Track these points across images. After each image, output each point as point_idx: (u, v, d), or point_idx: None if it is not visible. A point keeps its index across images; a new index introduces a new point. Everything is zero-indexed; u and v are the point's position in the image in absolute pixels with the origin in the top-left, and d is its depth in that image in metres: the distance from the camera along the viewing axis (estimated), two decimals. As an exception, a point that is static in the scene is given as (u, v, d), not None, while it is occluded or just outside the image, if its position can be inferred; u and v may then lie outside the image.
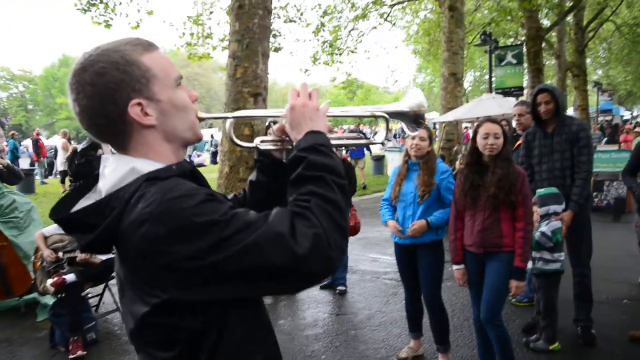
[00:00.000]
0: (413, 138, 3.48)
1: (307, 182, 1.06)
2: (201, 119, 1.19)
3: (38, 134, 20.04)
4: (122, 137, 1.06)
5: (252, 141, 1.37)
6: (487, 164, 3.21)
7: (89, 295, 5.15)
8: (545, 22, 20.39)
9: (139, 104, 1.03)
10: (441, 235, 3.58)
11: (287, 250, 0.92)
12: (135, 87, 1.03)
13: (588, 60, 31.45)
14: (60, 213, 1.04)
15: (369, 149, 15.41)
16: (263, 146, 1.37)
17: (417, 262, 3.61)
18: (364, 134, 1.47)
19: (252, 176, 1.42)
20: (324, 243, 0.95)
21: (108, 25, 11.24)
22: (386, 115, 1.39)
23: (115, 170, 1.05)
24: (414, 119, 1.41)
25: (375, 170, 17.57)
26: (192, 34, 13.44)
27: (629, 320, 4.37)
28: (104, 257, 4.48)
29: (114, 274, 5.07)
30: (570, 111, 26.15)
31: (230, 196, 1.43)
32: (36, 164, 18.54)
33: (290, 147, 1.32)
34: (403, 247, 3.66)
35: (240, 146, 1.42)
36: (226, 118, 1.37)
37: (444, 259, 3.63)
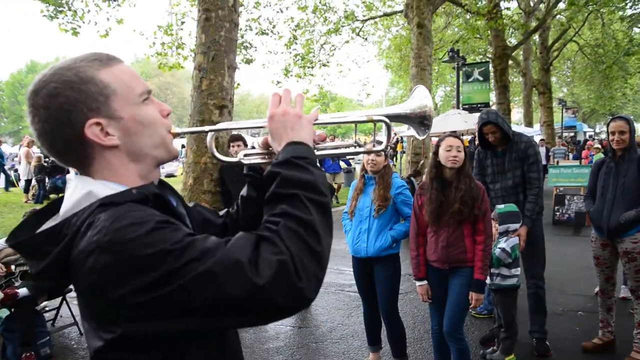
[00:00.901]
0: (369, 153, 3.54)
1: (280, 200, 0.95)
2: (175, 135, 1.09)
3: (-1, 142, 19.46)
4: (84, 160, 0.99)
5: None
6: (450, 180, 3.27)
7: (46, 309, 5.02)
8: (512, 41, 21.05)
9: (98, 123, 0.96)
10: (396, 249, 3.62)
11: (245, 280, 0.82)
12: (91, 106, 0.96)
13: (553, 79, 32.55)
14: (18, 237, 0.96)
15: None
16: (247, 160, 1.27)
17: (374, 275, 3.64)
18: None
19: (244, 191, 1.34)
20: (290, 271, 0.85)
21: (75, 33, 11.08)
22: (386, 120, 1.24)
23: (72, 194, 0.97)
24: (420, 121, 1.28)
25: (347, 183, 17.66)
26: (162, 44, 13.36)
27: (583, 331, 4.48)
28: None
29: (71, 286, 4.96)
30: (536, 127, 26.91)
31: (222, 212, 1.36)
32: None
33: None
34: (360, 261, 3.69)
35: (223, 161, 1.32)
36: (203, 132, 1.25)
37: (400, 272, 3.67)
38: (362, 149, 1.33)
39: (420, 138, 1.35)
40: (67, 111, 0.94)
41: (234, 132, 5.22)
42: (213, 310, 0.84)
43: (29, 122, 0.98)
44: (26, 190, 15.02)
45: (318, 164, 1.06)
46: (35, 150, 15.65)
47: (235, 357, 1.12)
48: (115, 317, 0.86)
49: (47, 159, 14.42)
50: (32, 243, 0.94)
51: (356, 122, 1.27)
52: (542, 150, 16.31)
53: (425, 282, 3.40)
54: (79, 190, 0.97)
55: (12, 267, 4.44)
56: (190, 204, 1.27)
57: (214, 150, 1.28)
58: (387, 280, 3.59)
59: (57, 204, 1.02)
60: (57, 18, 10.92)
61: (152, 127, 1.03)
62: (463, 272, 3.22)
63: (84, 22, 11.32)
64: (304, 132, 1.08)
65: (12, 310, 4.26)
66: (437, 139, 3.47)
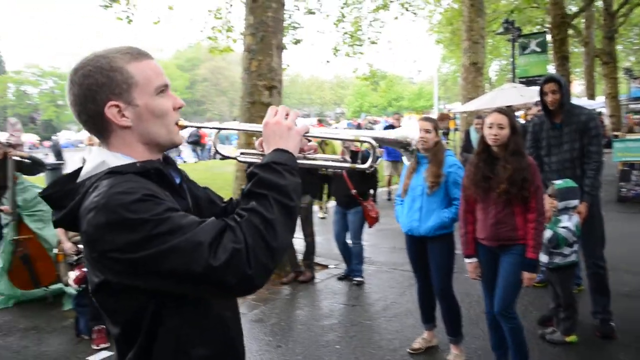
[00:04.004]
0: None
1: (252, 197, 1.09)
2: (182, 127, 1.26)
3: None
4: (103, 132, 1.19)
5: None
6: (497, 156, 3.17)
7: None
8: (572, 9, 19.87)
9: (117, 106, 1.14)
10: (451, 228, 3.56)
11: (203, 259, 0.97)
12: (115, 90, 1.14)
13: (619, 47, 30.48)
14: (47, 191, 1.18)
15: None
16: (242, 158, 1.42)
17: (427, 253, 3.61)
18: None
19: (244, 186, 1.47)
20: (242, 259, 0.98)
21: (130, 21, 11.39)
22: (372, 142, 1.34)
23: (90, 161, 1.18)
24: (402, 147, 1.40)
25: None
26: (212, 28, 13.52)
27: (651, 313, 4.28)
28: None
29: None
30: (599, 99, 25.47)
31: (226, 199, 1.51)
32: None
33: None
34: (414, 239, 3.67)
35: (223, 156, 1.49)
36: (206, 128, 1.44)
37: (454, 251, 3.62)
38: (346, 165, 1.45)
39: (407, 163, 1.48)
40: (93, 91, 1.13)
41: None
42: (174, 278, 0.99)
43: (66, 92, 1.18)
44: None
45: (336, 168, 1.20)
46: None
47: (219, 324, 1.23)
48: (100, 266, 1.05)
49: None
50: (56, 196, 1.16)
51: (344, 140, 1.46)
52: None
53: (474, 259, 3.35)
54: (95, 159, 1.17)
55: (81, 246, 4.71)
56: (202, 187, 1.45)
57: (217, 145, 1.48)
58: (440, 258, 3.55)
59: (81, 169, 1.22)
60: (112, 7, 11.27)
61: (161, 117, 1.20)
62: (514, 250, 3.13)
63: (137, 10, 11.62)
64: (291, 142, 1.22)
65: (83, 286, 4.53)
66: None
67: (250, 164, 1.39)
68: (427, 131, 3.48)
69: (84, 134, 22.43)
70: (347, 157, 1.50)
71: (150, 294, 1.08)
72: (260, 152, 1.36)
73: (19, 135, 5.48)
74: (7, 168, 5.21)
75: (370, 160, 1.39)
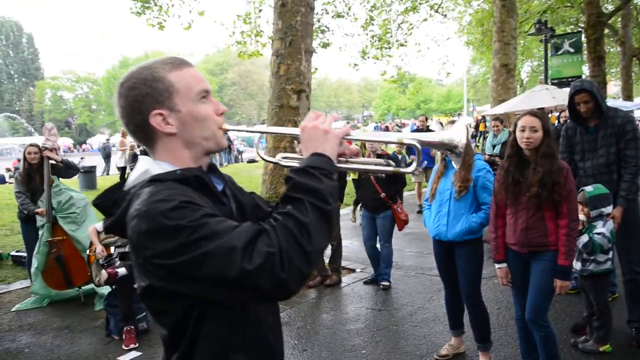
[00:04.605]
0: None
1: (288, 202, 1.10)
2: (225, 130, 1.30)
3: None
4: (149, 141, 1.24)
5: None
6: (529, 159, 3.10)
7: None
8: (609, 7, 19.31)
9: (160, 114, 1.19)
10: (478, 233, 3.50)
11: (236, 263, 0.97)
12: (158, 99, 1.19)
13: (657, 46, 29.48)
14: (99, 199, 1.24)
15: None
16: (284, 162, 1.45)
17: (455, 259, 3.56)
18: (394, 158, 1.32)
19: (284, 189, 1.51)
20: (276, 263, 0.98)
21: (162, 27, 11.64)
22: (417, 144, 1.30)
23: (136, 170, 1.23)
24: (448, 149, 1.37)
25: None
26: (241, 33, 13.68)
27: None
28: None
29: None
30: (637, 100, 24.67)
31: (273, 204, 1.51)
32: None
33: None
34: (441, 244, 3.62)
35: (265, 160, 1.53)
36: (249, 131, 1.50)
37: (482, 256, 3.56)
38: (390, 168, 1.37)
39: (456, 167, 1.40)
40: (139, 102, 1.19)
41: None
42: (210, 283, 1.01)
43: (114, 105, 1.24)
44: (121, 177, 16.21)
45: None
46: (130, 140, 16.81)
47: (257, 329, 1.24)
48: (144, 271, 1.09)
49: (140, 147, 15.41)
50: (106, 205, 1.22)
51: (387, 142, 1.43)
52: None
53: (504, 264, 3.28)
54: (140, 168, 1.22)
55: (112, 248, 4.82)
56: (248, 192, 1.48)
57: (258, 149, 1.51)
58: (468, 264, 3.49)
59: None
60: (144, 14, 11.52)
61: (204, 122, 1.23)
62: (545, 256, 3.05)
63: (168, 17, 11.86)
64: (328, 146, 1.21)
65: (113, 287, 4.64)
66: None
67: (291, 167, 1.41)
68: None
69: (117, 139, 23.01)
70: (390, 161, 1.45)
71: (194, 299, 1.10)
72: (301, 157, 1.35)
73: (55, 140, 5.66)
74: (44, 172, 5.38)
75: (414, 163, 1.35)
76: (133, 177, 1.22)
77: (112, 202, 1.20)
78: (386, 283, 5.56)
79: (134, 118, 1.20)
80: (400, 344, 4.15)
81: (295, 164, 1.41)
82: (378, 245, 5.72)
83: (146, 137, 1.23)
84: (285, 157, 1.44)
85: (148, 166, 1.21)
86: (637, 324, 3.85)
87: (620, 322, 3.97)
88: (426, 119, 9.06)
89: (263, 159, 1.48)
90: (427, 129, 8.54)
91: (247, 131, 1.47)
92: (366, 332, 4.44)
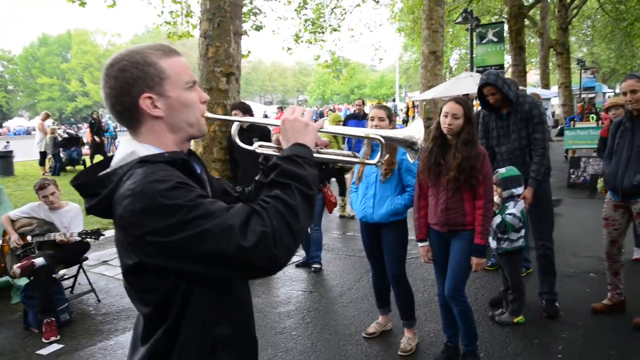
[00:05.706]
0: (372, 119, 3.51)
1: (275, 186, 1.18)
2: (207, 119, 1.37)
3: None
4: (135, 123, 1.27)
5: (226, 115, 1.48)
6: (450, 143, 3.24)
7: (65, 277, 5.17)
8: (529, 0, 20.33)
9: (150, 97, 1.24)
10: (404, 215, 3.62)
11: (234, 241, 1.04)
12: (148, 83, 1.23)
13: (572, 38, 31.47)
14: (79, 179, 1.25)
15: None
16: (260, 150, 1.55)
17: (381, 240, 3.66)
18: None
19: (258, 176, 1.58)
20: (269, 241, 1.07)
21: (83, 4, 10.97)
22: (382, 139, 1.47)
23: (120, 151, 1.27)
24: (408, 145, 1.53)
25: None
26: (170, 12, 13.18)
27: (593, 293, 4.47)
28: (77, 238, 4.48)
29: (86, 255, 5.07)
30: (554, 89, 26.27)
31: (239, 188, 1.63)
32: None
33: None
34: (368, 226, 3.71)
35: (243, 148, 1.61)
36: (230, 120, 1.58)
37: (407, 237, 3.68)
38: (357, 159, 1.56)
39: (411, 160, 1.64)
40: (129, 84, 1.22)
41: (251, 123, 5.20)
42: (207, 259, 1.07)
43: (101, 86, 1.26)
44: (41, 163, 15.25)
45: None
46: (49, 124, 15.82)
47: (240, 307, 1.35)
48: (135, 249, 1.12)
49: (61, 133, 14.56)
50: (89, 184, 1.23)
51: (356, 137, 1.57)
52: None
53: (426, 243, 3.45)
54: (125, 149, 1.25)
55: (29, 237, 4.55)
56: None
57: (237, 138, 1.61)
58: (393, 245, 3.60)
59: (109, 159, 1.30)
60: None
61: (190, 109, 1.29)
62: (463, 235, 3.22)
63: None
64: (307, 137, 1.33)
65: (31, 278, 4.39)
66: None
67: (265, 155, 1.54)
68: (380, 119, 3.51)
69: (36, 121, 21.58)
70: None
71: (181, 275, 1.15)
72: (276, 146, 1.52)
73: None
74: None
75: (378, 155, 1.50)
76: (118, 158, 1.25)
77: (94, 182, 1.22)
78: (317, 266, 5.64)
79: (122, 99, 1.23)
80: (330, 323, 4.24)
81: (270, 152, 1.53)
82: (308, 229, 5.78)
83: (131, 119, 1.26)
84: (261, 146, 1.55)
85: (134, 147, 1.25)
86: (547, 296, 4.16)
87: (534, 295, 4.26)
88: (363, 103, 9.15)
89: (240, 146, 1.59)
90: (364, 114, 8.62)
91: (227, 120, 1.62)
92: (297, 314, 4.49)
